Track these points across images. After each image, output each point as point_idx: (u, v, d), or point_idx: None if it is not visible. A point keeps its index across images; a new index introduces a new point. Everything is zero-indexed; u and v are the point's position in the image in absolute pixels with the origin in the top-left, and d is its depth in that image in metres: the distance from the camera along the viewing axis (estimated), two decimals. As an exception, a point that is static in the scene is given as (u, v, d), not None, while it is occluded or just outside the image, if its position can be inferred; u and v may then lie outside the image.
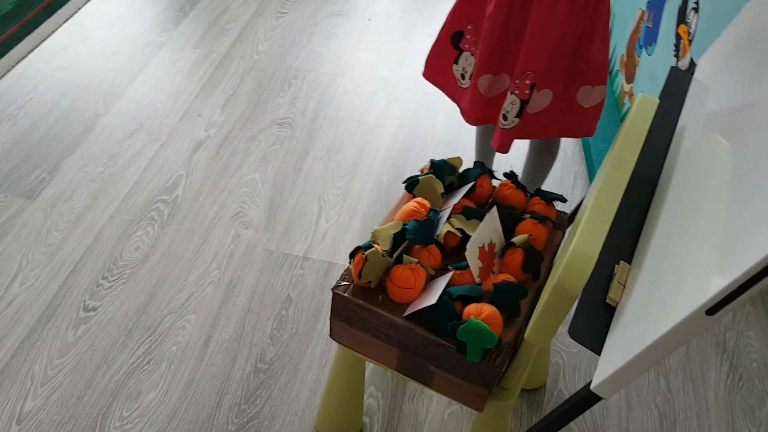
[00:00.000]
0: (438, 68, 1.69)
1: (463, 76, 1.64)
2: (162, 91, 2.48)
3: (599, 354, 0.85)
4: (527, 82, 1.47)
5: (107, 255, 1.90)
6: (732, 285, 0.63)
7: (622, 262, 0.93)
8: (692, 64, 1.79)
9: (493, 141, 1.62)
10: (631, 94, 2.27)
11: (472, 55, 1.60)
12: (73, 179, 2.11)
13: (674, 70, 1.31)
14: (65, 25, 2.78)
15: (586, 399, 0.82)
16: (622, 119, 2.31)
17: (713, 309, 0.65)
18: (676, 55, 1.91)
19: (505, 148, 1.58)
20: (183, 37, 2.75)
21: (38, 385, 1.60)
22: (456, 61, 1.64)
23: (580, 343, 0.85)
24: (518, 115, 1.52)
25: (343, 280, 1.23)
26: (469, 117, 1.65)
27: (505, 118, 1.54)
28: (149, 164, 2.18)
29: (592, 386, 0.81)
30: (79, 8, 2.88)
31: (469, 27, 1.59)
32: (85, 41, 2.70)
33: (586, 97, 1.56)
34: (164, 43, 2.71)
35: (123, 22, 2.82)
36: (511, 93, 1.51)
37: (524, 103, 1.50)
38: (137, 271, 1.86)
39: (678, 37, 1.91)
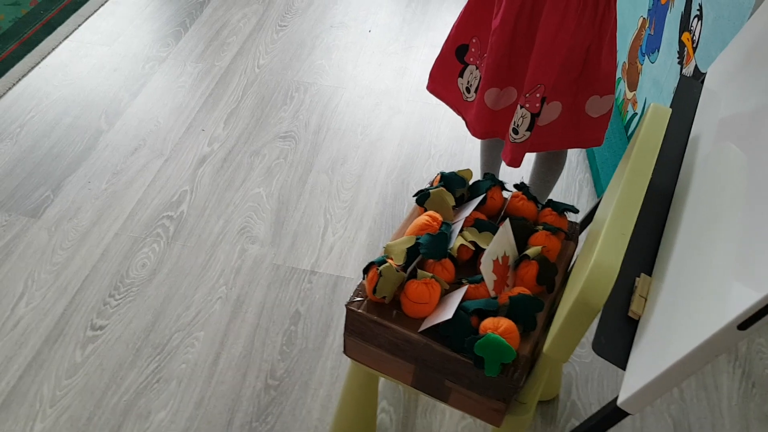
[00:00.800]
0: (442, 81, 1.69)
1: (468, 90, 1.64)
2: (164, 106, 2.48)
3: (624, 369, 0.84)
4: (537, 95, 1.47)
5: (113, 273, 1.88)
6: (765, 299, 0.62)
7: (642, 274, 0.93)
8: (697, 72, 1.79)
9: (503, 155, 1.61)
10: (634, 102, 2.27)
11: (477, 68, 1.60)
12: (77, 197, 2.10)
13: (684, 79, 1.31)
14: (65, 42, 2.77)
15: (612, 415, 0.81)
16: (625, 127, 2.31)
17: (746, 323, 0.64)
18: (680, 63, 1.91)
19: (516, 162, 1.57)
20: (184, 52, 2.75)
21: (47, 407, 1.58)
22: (461, 75, 1.64)
23: (604, 359, 0.84)
24: (529, 129, 1.52)
25: (357, 296, 1.22)
26: (476, 130, 1.65)
27: (515, 132, 1.54)
28: (153, 180, 2.17)
29: (618, 402, 0.80)
30: (79, 25, 2.88)
31: (473, 40, 1.59)
32: (85, 58, 2.69)
33: (594, 107, 1.56)
34: (165, 59, 2.71)
35: (123, 38, 2.81)
36: (522, 107, 1.50)
37: (535, 116, 1.50)
38: (144, 289, 1.84)
39: (681, 44, 1.91)
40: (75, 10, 2.96)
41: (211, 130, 2.38)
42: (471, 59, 1.61)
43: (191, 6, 3.03)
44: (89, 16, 2.94)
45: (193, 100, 2.51)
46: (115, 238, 1.98)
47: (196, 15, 2.98)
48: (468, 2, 1.56)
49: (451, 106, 1.72)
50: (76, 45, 2.77)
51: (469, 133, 1.69)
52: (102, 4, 3.02)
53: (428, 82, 1.71)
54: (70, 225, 2.01)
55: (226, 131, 2.38)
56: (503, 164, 2.03)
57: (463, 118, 1.70)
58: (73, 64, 2.66)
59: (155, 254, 1.94)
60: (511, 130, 1.56)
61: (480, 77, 1.59)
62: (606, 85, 1.52)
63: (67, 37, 2.81)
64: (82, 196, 2.11)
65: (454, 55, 1.63)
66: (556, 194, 2.17)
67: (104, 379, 1.64)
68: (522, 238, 1.32)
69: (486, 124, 1.62)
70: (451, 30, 1.61)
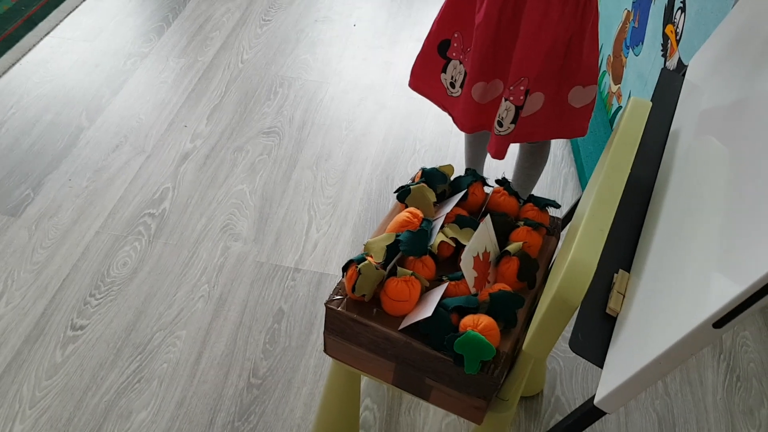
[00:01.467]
0: (425, 78, 1.67)
1: (452, 85, 1.62)
2: (146, 102, 2.45)
3: (601, 367, 0.83)
4: (521, 88, 1.46)
5: (94, 272, 1.86)
6: (741, 296, 0.61)
7: (621, 270, 0.92)
8: (680, 64, 1.78)
9: (488, 148, 1.60)
10: (618, 95, 2.26)
11: (461, 63, 1.58)
12: (58, 195, 2.08)
13: (665, 72, 1.30)
14: (46, 38, 2.74)
15: (589, 414, 0.80)
16: (610, 120, 2.31)
17: (721, 321, 0.63)
18: (664, 55, 1.90)
19: (501, 155, 1.57)
20: (166, 48, 2.72)
21: (26, 408, 1.56)
22: (444, 70, 1.62)
23: (581, 356, 0.83)
24: (513, 121, 1.51)
25: (337, 294, 1.20)
26: (463, 125, 1.64)
27: (500, 124, 1.53)
28: (135, 177, 2.15)
29: (595, 401, 0.79)
30: (61, 21, 2.84)
31: (455, 35, 1.57)
32: (66, 54, 2.66)
33: (577, 98, 1.55)
34: (147, 54, 2.68)
35: (105, 34, 2.78)
36: (506, 99, 1.49)
37: (519, 108, 1.49)
38: (125, 288, 1.82)
39: (665, 37, 1.90)
40: (56, 5, 2.92)
41: (193, 126, 2.36)
42: (454, 54, 1.59)
43: (174, 1, 3.00)
44: (71, 12, 2.90)
45: (176, 96, 2.48)
46: (96, 236, 1.96)
47: (179, 10, 2.94)
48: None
49: (436, 102, 1.70)
50: (58, 41, 2.73)
51: (454, 127, 1.68)
52: (84, 0, 2.98)
53: (410, 80, 1.70)
54: (50, 223, 1.99)
55: (209, 127, 2.36)
56: (488, 158, 2.02)
57: (449, 114, 1.68)
58: (54, 60, 2.63)
59: (137, 252, 1.92)
60: (495, 123, 1.55)
61: (464, 72, 1.57)
62: (589, 75, 1.52)
63: (48, 33, 2.77)
64: (62, 194, 2.08)
65: (436, 51, 1.61)
66: (541, 189, 2.16)
67: (85, 380, 1.62)
68: (503, 234, 1.30)
69: (473, 119, 1.61)
70: (432, 26, 1.59)
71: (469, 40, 1.54)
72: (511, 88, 1.48)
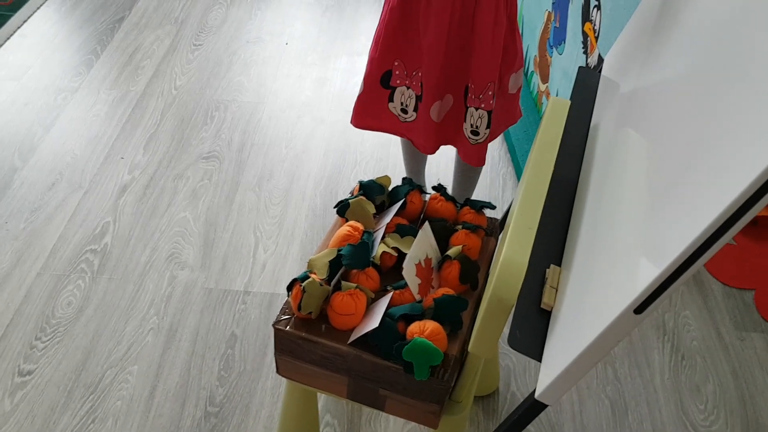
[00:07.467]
0: (371, 113, 1.67)
1: (404, 111, 1.63)
2: (80, 137, 2.41)
3: (540, 361, 0.86)
4: (490, 93, 1.51)
5: (38, 314, 1.82)
6: (655, 282, 0.64)
7: (552, 265, 0.95)
8: (600, 60, 1.85)
9: (467, 159, 1.64)
10: (547, 94, 2.32)
11: (408, 87, 1.60)
12: (-6, 239, 2.03)
13: (582, 70, 1.35)
14: (-30, 79, 2.67)
15: (533, 407, 0.83)
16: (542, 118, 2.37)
17: (641, 307, 0.66)
18: (585, 52, 1.97)
19: (483, 161, 1.63)
20: (97, 80, 2.68)
21: (-23, 462, 1.52)
22: (391, 99, 1.63)
23: (520, 352, 0.86)
24: (488, 126, 1.56)
25: (284, 314, 1.21)
26: (426, 148, 1.67)
27: (475, 133, 1.57)
28: (74, 214, 2.11)
29: (536, 394, 0.81)
30: (-16, 61, 2.77)
31: (396, 63, 1.59)
32: (-7, 94, 2.60)
33: (513, 84, 1.63)
34: (78, 88, 2.64)
35: (32, 71, 2.73)
36: (477, 108, 1.53)
37: (491, 113, 1.54)
38: (72, 328, 1.79)
39: (585, 35, 1.97)
40: (-22, 45, 2.85)
41: (130, 157, 2.33)
42: (398, 81, 1.60)
43: (101, 32, 2.96)
44: (-6, 51, 2.84)
45: (110, 128, 2.45)
46: (38, 278, 1.92)
47: (107, 41, 2.91)
48: (382, 32, 1.55)
49: (390, 132, 1.70)
50: (-18, 82, 2.67)
51: (393, 137, 1.70)
52: (8, 38, 2.92)
53: (353, 119, 1.69)
54: (-12, 269, 1.94)
55: (147, 157, 2.33)
56: (428, 165, 2.05)
57: (409, 139, 1.70)
58: (-20, 101, 2.56)
59: (81, 291, 1.88)
60: (470, 133, 1.58)
61: (415, 95, 1.59)
62: (520, 60, 1.59)
63: (-29, 74, 2.70)
64: (-1, 238, 2.03)
65: (380, 85, 1.61)
66: (481, 190, 2.20)
67: (36, 425, 1.58)
68: (443, 239, 1.33)
69: (435, 139, 1.65)
70: (369, 65, 1.59)
71: (410, 64, 1.56)
72: (480, 96, 1.52)
